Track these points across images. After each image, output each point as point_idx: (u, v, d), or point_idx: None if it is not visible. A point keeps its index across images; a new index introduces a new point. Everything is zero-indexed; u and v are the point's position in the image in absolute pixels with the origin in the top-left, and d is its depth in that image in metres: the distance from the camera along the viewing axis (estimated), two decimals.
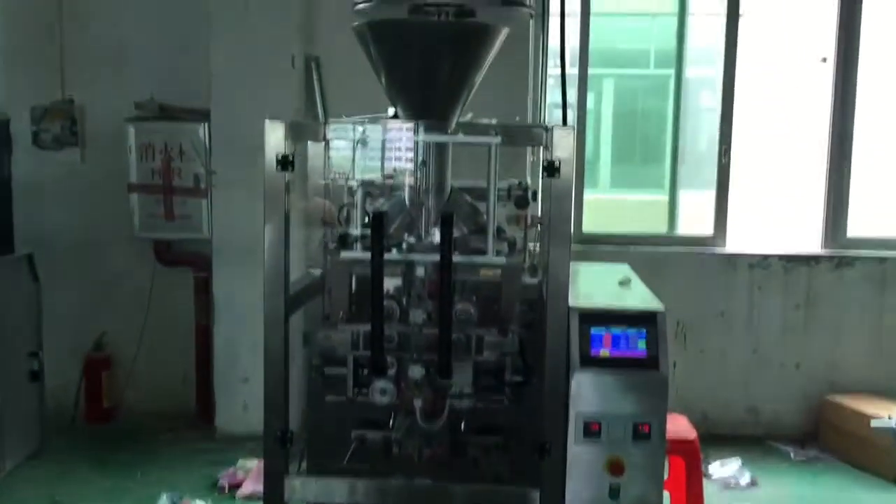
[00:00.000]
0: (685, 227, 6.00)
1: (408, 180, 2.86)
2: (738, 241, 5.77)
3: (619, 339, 2.65)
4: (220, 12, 5.20)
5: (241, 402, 5.36)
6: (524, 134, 3.03)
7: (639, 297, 2.99)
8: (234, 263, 5.26)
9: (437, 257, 2.60)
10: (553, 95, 5.02)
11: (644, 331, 2.65)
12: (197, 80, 5.37)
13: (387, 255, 2.69)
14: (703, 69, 6.83)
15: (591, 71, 5.62)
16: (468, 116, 3.32)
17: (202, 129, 5.43)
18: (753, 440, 5.49)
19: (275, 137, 2.60)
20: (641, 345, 2.64)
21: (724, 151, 5.63)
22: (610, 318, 2.68)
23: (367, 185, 2.98)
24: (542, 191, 3.17)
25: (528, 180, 3.72)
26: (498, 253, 2.81)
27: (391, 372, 2.71)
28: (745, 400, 5.61)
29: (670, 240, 5.90)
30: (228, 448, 5.16)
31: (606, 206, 8.12)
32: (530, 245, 3.27)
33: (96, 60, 5.65)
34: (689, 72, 8.22)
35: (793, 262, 5.59)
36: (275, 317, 2.66)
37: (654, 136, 9.59)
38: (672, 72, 9.95)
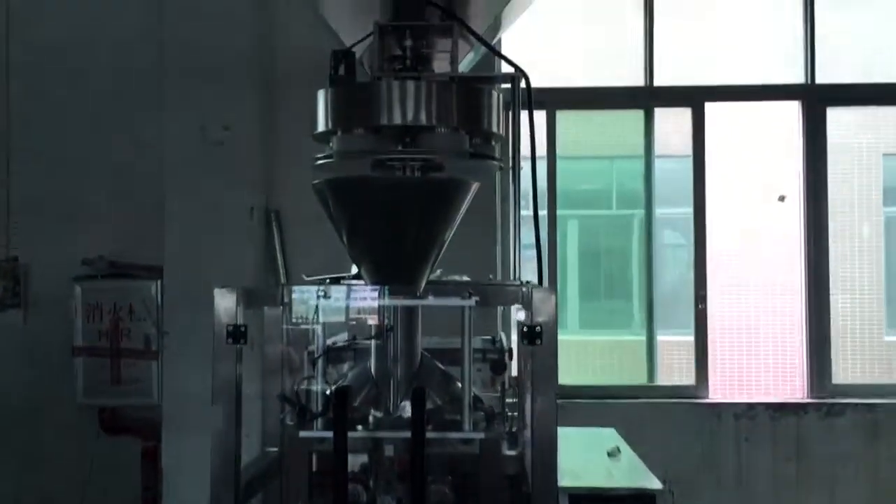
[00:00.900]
0: (662, 372, 5.81)
1: (373, 348, 2.63)
2: (722, 390, 5.57)
3: None
4: (175, 167, 5.07)
5: None
6: (500, 294, 2.85)
7: (631, 471, 2.73)
8: (186, 431, 4.89)
9: (407, 434, 2.34)
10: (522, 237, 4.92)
11: None
12: (151, 235, 5.17)
13: (351, 434, 2.43)
14: (662, 208, 6.84)
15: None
16: (437, 273, 3.14)
17: (154, 287, 5.20)
18: None
19: (225, 307, 2.37)
20: None
21: (701, 298, 5.52)
22: (603, 499, 2.42)
23: (330, 352, 2.74)
24: (517, 349, 2.96)
25: (502, 336, 3.51)
26: (475, 425, 2.56)
27: None
28: None
29: (651, 391, 5.68)
30: None
31: (577, 350, 7.97)
32: (508, 410, 3.03)
33: (45, 216, 5.45)
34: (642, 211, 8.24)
35: (780, 411, 5.38)
36: None
37: (619, 274, 9.53)
38: (635, 212, 10.02)
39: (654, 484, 2.50)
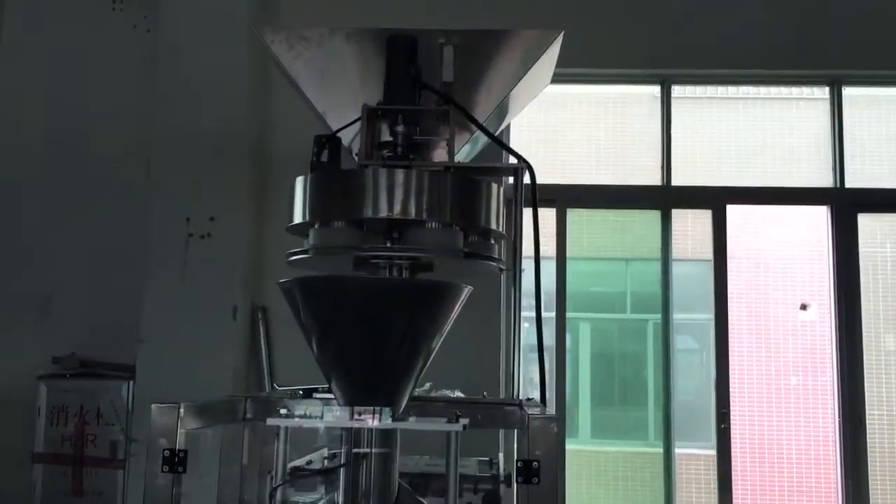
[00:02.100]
0: (680, 487, 5.34)
1: (342, 478, 2.28)
2: None
3: None
4: (156, 267, 4.80)
5: None
6: (495, 416, 2.50)
7: None
8: None
9: None
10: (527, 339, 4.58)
11: None
12: (128, 330, 4.87)
13: None
14: (678, 314, 6.53)
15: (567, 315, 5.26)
16: (424, 387, 2.81)
17: (126, 388, 4.85)
18: None
19: (162, 425, 2.04)
20: None
21: (723, 416, 5.11)
22: None
23: (294, 477, 2.40)
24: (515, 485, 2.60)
25: (500, 459, 3.15)
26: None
27: None
28: None
29: None
30: None
31: (590, 462, 7.53)
32: None
33: (16, 311, 5.17)
34: (657, 316, 7.90)
35: None
36: None
37: (633, 380, 9.13)
38: (650, 316, 9.67)
39: None
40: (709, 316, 8.01)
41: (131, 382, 4.84)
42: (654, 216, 5.46)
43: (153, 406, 2.06)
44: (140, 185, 4.96)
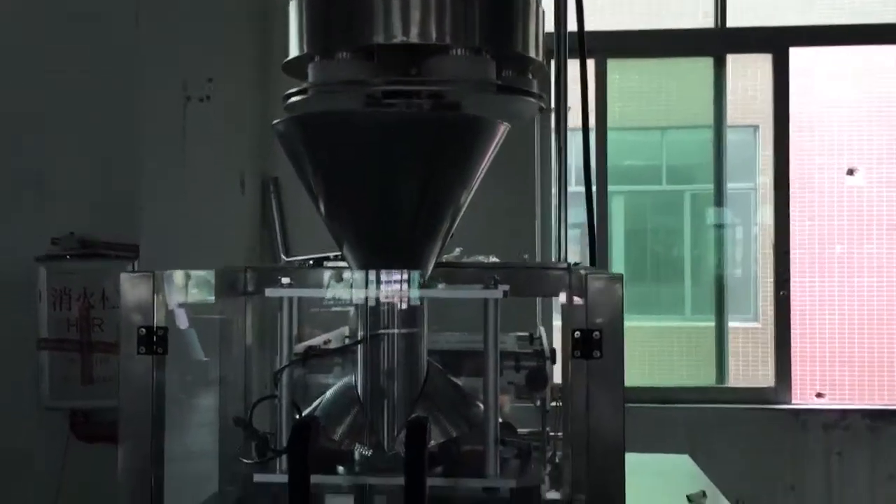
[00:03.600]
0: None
1: (360, 357, 1.94)
2: (807, 394, 4.80)
3: None
4: (152, 132, 4.41)
5: None
6: (540, 281, 2.14)
7: None
8: (169, 438, 4.25)
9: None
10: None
11: None
12: (128, 208, 4.53)
13: (328, 478, 1.78)
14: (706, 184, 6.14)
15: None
16: (454, 253, 2.45)
17: (131, 269, 4.55)
18: None
19: (137, 300, 1.69)
20: None
21: (783, 283, 4.73)
22: None
23: (305, 359, 2.07)
24: (566, 362, 2.27)
25: (542, 333, 2.81)
26: (504, 465, 1.88)
27: None
28: None
29: (721, 394, 4.92)
30: None
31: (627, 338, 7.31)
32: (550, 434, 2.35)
33: (6, 193, 4.84)
34: (694, 187, 7.48)
35: (880, 419, 4.60)
36: None
37: (667, 255, 8.82)
38: (687, 187, 9.28)
39: None
40: (748, 185, 7.54)
41: (136, 262, 4.54)
42: (705, 65, 4.94)
43: (122, 276, 1.71)
44: (130, 39, 4.51)
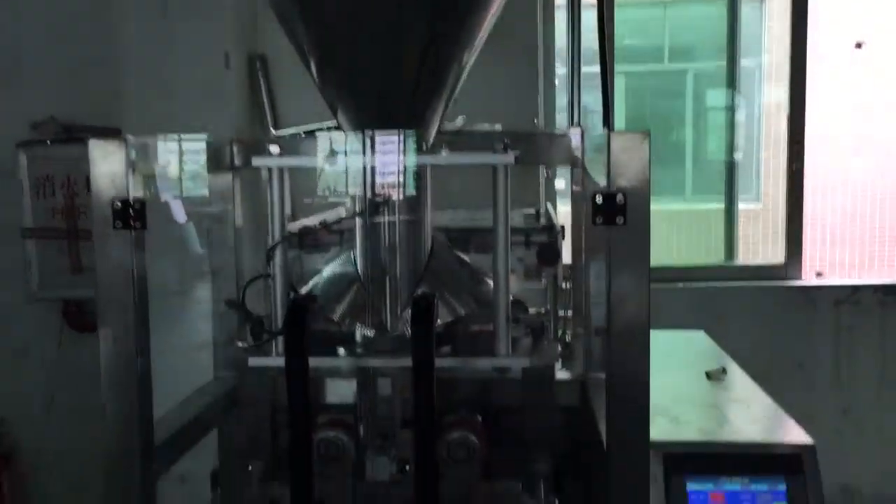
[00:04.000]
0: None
1: (359, 231, 1.80)
2: (819, 271, 4.70)
3: (740, 501, 1.58)
4: (133, 9, 4.14)
5: None
6: (554, 145, 1.97)
7: (750, 409, 1.91)
8: (161, 324, 4.15)
9: (409, 362, 1.54)
10: (563, 98, 3.98)
11: (783, 484, 1.57)
12: (111, 93, 4.30)
13: (328, 361, 1.68)
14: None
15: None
16: (457, 122, 2.28)
17: None
18: None
19: (108, 171, 1.53)
20: None
21: (796, 154, 4.56)
22: (718, 461, 1.61)
23: (299, 237, 1.94)
24: (586, 230, 2.14)
25: (549, 208, 2.68)
26: (515, 344, 1.77)
27: None
28: (835, 476, 4.50)
29: (730, 271, 4.83)
30: None
31: None
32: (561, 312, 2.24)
33: None
34: (699, 66, 7.20)
35: (892, 294, 4.51)
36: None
37: (670, 136, 8.65)
38: (689, 66, 8.98)
39: (793, 433, 1.67)
40: (753, 62, 7.24)
41: None
42: None
43: (91, 143, 1.55)
44: None
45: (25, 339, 4.74)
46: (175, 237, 3.21)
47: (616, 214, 1.44)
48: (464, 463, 1.72)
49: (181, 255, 3.32)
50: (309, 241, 2.12)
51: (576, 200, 2.22)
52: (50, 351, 4.66)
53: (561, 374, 2.04)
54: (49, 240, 4.48)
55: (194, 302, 2.81)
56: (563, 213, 2.42)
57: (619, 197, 1.44)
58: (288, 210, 1.88)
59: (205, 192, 1.92)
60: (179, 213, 2.06)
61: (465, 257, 2.02)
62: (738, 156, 5.09)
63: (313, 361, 1.72)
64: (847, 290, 4.56)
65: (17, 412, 4.75)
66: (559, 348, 2.11)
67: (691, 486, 1.56)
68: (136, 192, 1.54)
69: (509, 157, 1.66)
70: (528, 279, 2.20)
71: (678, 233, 7.88)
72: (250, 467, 1.68)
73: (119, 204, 1.52)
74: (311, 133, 2.19)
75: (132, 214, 1.52)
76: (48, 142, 4.50)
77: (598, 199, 1.45)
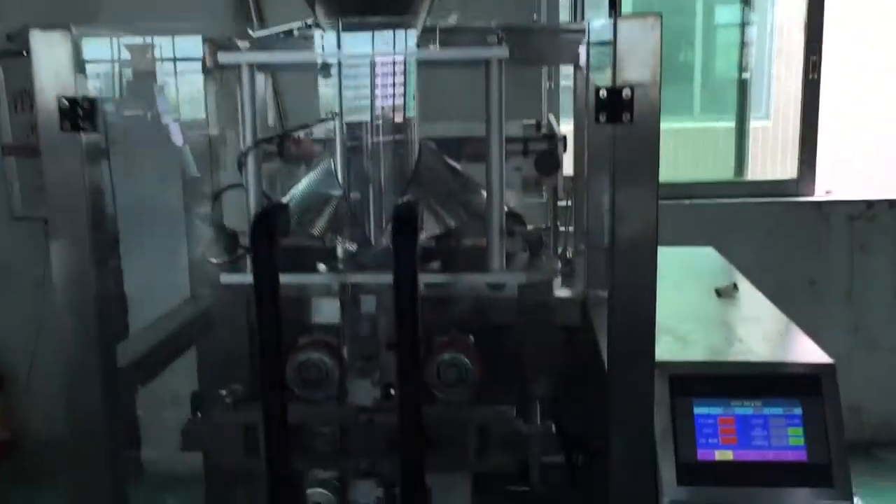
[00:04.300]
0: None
1: (338, 134, 1.65)
2: (833, 187, 4.54)
3: (751, 426, 1.46)
4: None
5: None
6: (550, 39, 1.80)
7: (761, 327, 1.78)
8: (148, 243, 4.03)
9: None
10: None
11: (799, 408, 1.46)
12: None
13: (307, 278, 1.55)
14: None
15: None
16: (451, 20, 2.10)
17: None
18: (856, 448, 4.33)
19: (52, 62, 1.38)
20: (796, 436, 1.45)
21: (813, 65, 4.35)
22: (729, 382, 1.49)
23: (270, 140, 1.80)
24: (588, 131, 2.00)
25: (551, 119, 2.51)
26: (510, 259, 1.64)
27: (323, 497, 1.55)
28: (844, 394, 4.44)
29: (740, 188, 4.67)
30: (157, 494, 4.02)
31: None
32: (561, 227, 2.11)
33: None
34: None
35: None
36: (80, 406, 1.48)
37: (675, 55, 8.42)
38: None
39: (810, 352, 1.55)
40: None
41: None
42: None
43: (32, 32, 1.39)
44: None
45: (9, 259, 4.63)
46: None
47: (622, 111, 1.29)
48: (455, 386, 1.61)
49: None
50: (293, 152, 1.98)
51: (578, 105, 2.06)
52: (36, 271, 4.55)
53: (561, 292, 1.92)
54: (29, 157, 4.32)
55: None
56: (567, 131, 2.28)
57: (626, 91, 1.29)
58: (272, 120, 1.74)
59: (170, 95, 1.76)
60: (176, 134, 1.90)
61: (458, 166, 1.87)
62: (749, 74, 4.90)
63: (293, 279, 1.60)
64: (861, 206, 4.40)
65: (5, 334, 4.68)
66: (559, 264, 1.98)
67: (699, 410, 1.45)
68: (84, 89, 1.38)
69: (503, 51, 1.50)
70: (528, 193, 2.06)
71: (686, 152, 7.70)
72: (223, 392, 1.57)
73: (65, 102, 1.37)
74: (288, 33, 2.02)
75: (80, 114, 1.37)
76: (24, 53, 4.30)
77: (603, 94, 1.30)
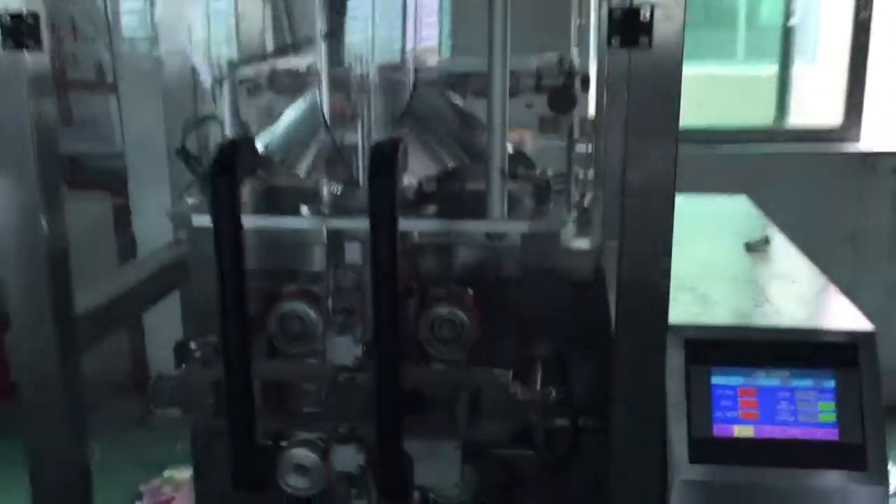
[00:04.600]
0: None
1: (324, 58, 1.48)
2: (879, 135, 4.28)
3: (776, 399, 1.31)
4: None
5: None
6: None
7: (799, 288, 1.61)
8: (158, 184, 3.92)
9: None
10: None
11: (831, 380, 1.30)
12: None
13: (286, 220, 1.41)
14: None
15: None
16: None
17: None
18: (894, 412, 4.15)
19: None
20: (827, 412, 1.29)
21: (864, 3, 4.06)
22: (753, 350, 1.33)
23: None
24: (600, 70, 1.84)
25: (574, 54, 2.32)
26: (514, 205, 1.48)
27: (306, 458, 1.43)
28: (883, 359, 4.25)
29: (781, 134, 4.43)
30: (165, 439, 3.97)
31: None
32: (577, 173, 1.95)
33: None
34: None
35: None
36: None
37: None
38: None
39: (847, 316, 1.38)
40: None
41: None
42: None
43: None
44: None
45: None
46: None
47: (640, 33, 1.12)
48: (450, 344, 1.46)
49: None
50: (284, 84, 1.82)
51: (601, 38, 1.88)
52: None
53: (578, 243, 1.76)
54: None
55: None
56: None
57: (645, 11, 1.11)
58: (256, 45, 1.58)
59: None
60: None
61: (461, 102, 1.71)
62: (796, 19, 4.61)
63: (270, 221, 1.47)
64: None
65: None
66: (572, 212, 1.81)
67: (717, 380, 1.30)
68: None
69: None
70: (546, 134, 1.89)
71: (726, 98, 7.40)
72: (193, 345, 1.44)
73: (8, 18, 1.21)
74: None
75: (24, 32, 1.22)
76: None
77: (616, 14, 1.12)
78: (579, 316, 1.66)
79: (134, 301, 1.63)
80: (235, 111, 1.46)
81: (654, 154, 1.18)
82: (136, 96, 3.92)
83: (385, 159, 1.16)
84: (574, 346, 1.63)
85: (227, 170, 1.17)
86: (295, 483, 1.51)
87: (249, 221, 1.49)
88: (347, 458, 1.40)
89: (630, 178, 1.18)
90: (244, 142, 1.32)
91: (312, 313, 1.48)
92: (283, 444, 1.45)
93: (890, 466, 2.46)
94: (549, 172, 1.67)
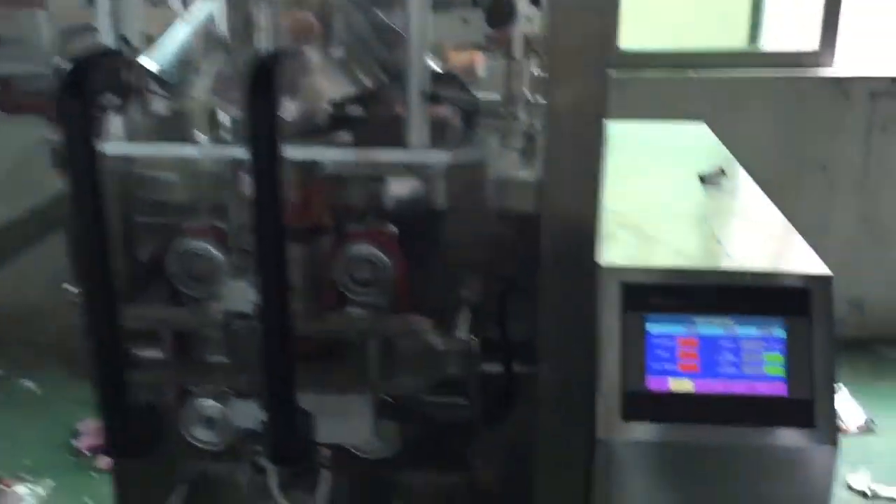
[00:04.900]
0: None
1: None
2: (853, 60, 4.13)
3: (719, 350, 1.18)
4: None
5: None
6: None
7: (753, 226, 1.47)
8: None
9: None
10: None
11: (780, 329, 1.17)
12: None
13: (180, 149, 1.26)
14: None
15: None
16: None
17: None
18: (857, 345, 4.10)
19: None
20: (774, 364, 1.17)
21: None
22: (695, 296, 1.20)
23: None
24: None
25: None
26: (439, 130, 1.33)
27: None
28: (847, 288, 4.15)
29: (752, 58, 4.26)
30: None
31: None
32: (525, 95, 1.78)
33: None
34: None
35: None
36: None
37: None
38: None
39: (801, 259, 1.25)
40: None
41: None
42: None
43: None
44: None
45: None
46: None
47: None
48: (369, 286, 1.33)
49: None
50: None
51: None
52: None
53: (522, 174, 1.60)
54: None
55: None
56: None
57: None
58: None
59: None
60: None
61: (384, 17, 1.53)
62: None
63: (164, 150, 1.31)
64: (886, 82, 4.01)
65: None
66: (514, 141, 1.66)
67: (653, 328, 1.17)
68: None
69: None
70: (489, 53, 1.72)
71: (697, 17, 7.16)
72: (68, 287, 1.29)
73: None
74: None
75: None
76: None
77: None
78: (518, 252, 1.53)
79: (16, 236, 1.47)
80: (115, 21, 1.27)
81: (583, 66, 1.02)
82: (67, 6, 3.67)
83: (264, 77, 1.00)
84: (513, 285, 1.50)
85: (75, 87, 1.00)
86: (201, 436, 1.40)
87: (140, 149, 1.34)
88: (247, 413, 1.27)
89: (554, 95, 1.03)
90: (109, 57, 1.15)
91: (215, 252, 1.33)
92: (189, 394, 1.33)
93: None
94: (497, 98, 1.52)
